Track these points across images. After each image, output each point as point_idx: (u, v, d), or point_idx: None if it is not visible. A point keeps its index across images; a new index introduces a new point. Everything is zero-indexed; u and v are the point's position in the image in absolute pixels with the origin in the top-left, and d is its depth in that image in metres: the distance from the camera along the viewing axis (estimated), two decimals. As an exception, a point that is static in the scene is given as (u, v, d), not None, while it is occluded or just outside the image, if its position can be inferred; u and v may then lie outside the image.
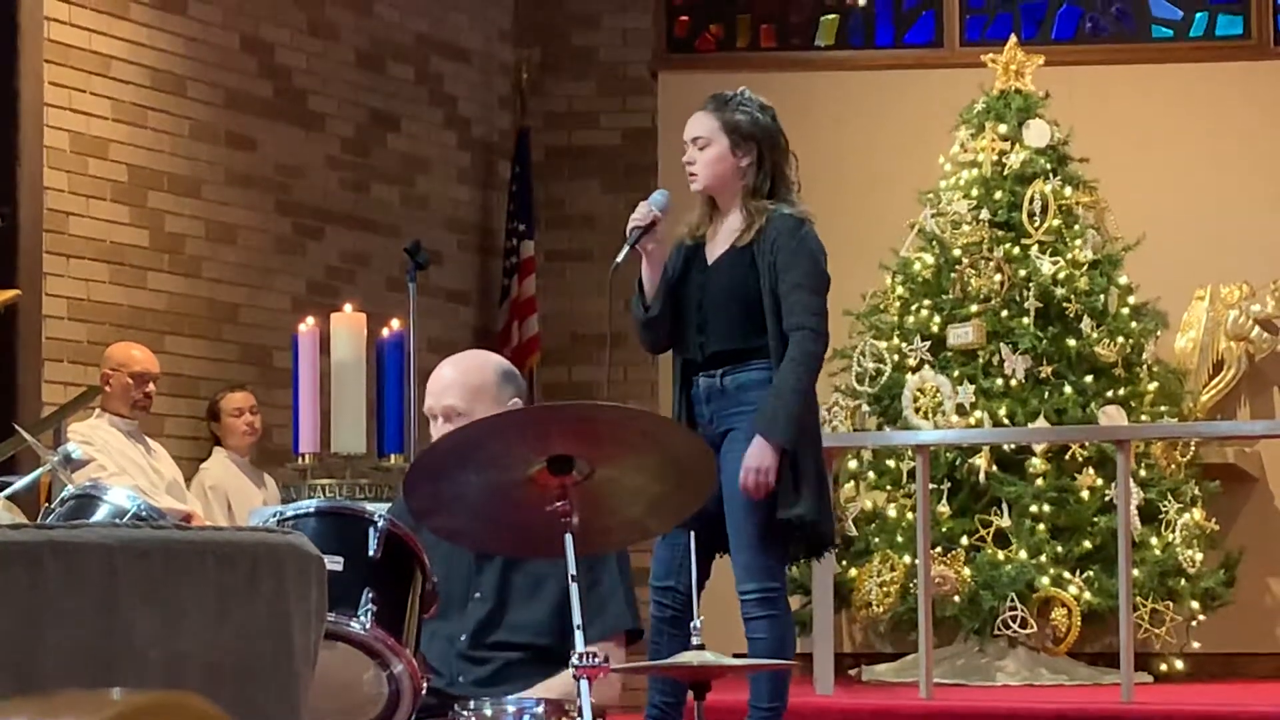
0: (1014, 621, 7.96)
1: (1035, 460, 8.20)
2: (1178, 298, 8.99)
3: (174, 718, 1.30)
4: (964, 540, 8.15)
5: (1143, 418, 8.40)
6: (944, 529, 8.13)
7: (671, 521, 4.15)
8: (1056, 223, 8.54)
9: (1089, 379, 8.38)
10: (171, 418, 8.08)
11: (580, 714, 3.46)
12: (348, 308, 7.00)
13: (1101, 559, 8.09)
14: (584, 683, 3.45)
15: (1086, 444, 8.23)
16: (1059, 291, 8.43)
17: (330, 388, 6.75)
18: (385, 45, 9.24)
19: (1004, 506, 8.20)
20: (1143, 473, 8.27)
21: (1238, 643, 8.73)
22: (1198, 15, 9.69)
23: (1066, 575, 8.09)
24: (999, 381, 8.32)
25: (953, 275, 8.51)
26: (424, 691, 3.56)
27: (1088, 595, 8.03)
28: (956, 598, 8.00)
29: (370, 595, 3.48)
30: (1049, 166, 8.64)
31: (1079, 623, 7.98)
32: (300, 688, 2.67)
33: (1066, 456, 8.28)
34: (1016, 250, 8.51)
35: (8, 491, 4.49)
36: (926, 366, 8.39)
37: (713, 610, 5.13)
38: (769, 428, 5.25)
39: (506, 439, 3.59)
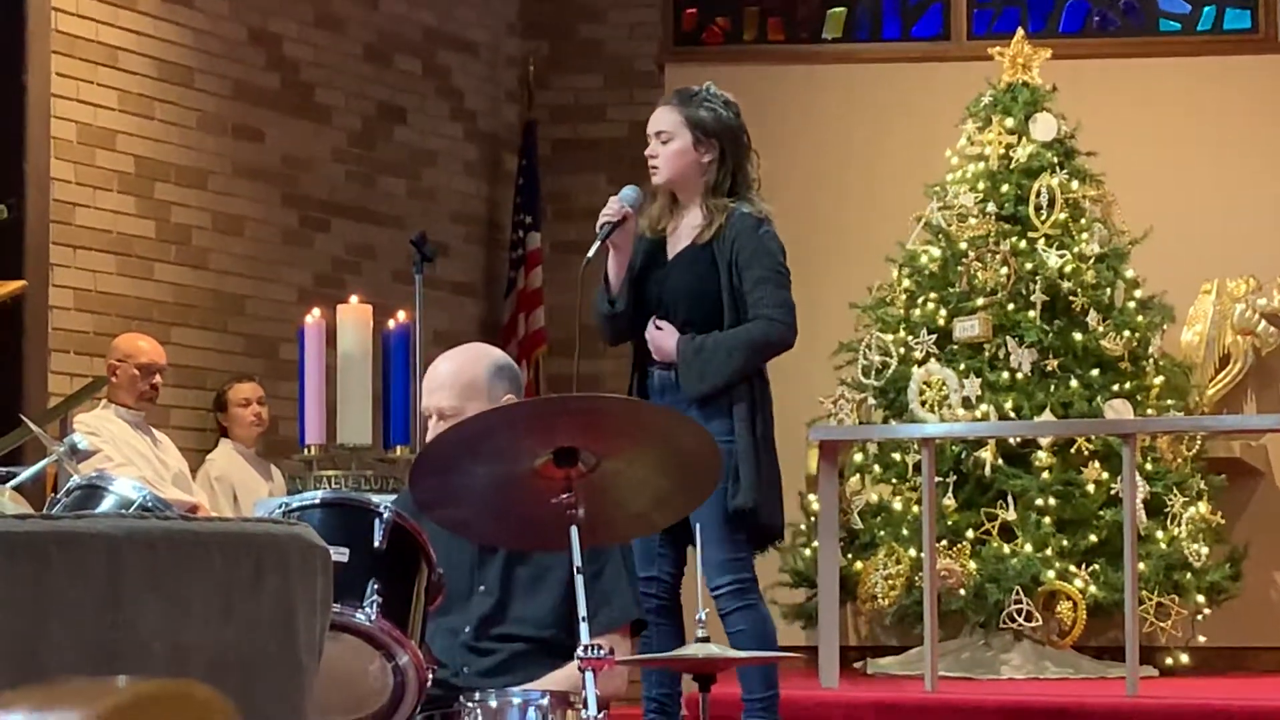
0: (1019, 615, 7.96)
1: (1041, 454, 8.20)
2: (1184, 291, 8.98)
3: (179, 706, 1.30)
4: (969, 533, 8.15)
5: (1149, 411, 8.40)
6: (949, 522, 8.13)
7: (677, 514, 4.15)
8: (1063, 216, 8.54)
9: (1095, 372, 8.37)
10: (178, 409, 8.09)
11: (585, 705, 3.46)
12: (354, 299, 6.99)
13: (1107, 552, 8.09)
14: (590, 674, 3.45)
15: (1092, 437, 8.22)
16: (1065, 285, 8.43)
17: (336, 379, 6.75)
18: (392, 38, 9.24)
19: (1009, 500, 8.20)
20: (1149, 466, 8.27)
21: (1243, 637, 8.73)
22: (1205, 9, 9.67)
23: (1072, 569, 8.08)
24: (1005, 375, 8.32)
25: (959, 268, 8.50)
26: (429, 683, 3.56)
27: (1093, 589, 8.03)
28: (962, 591, 8.00)
29: (375, 587, 3.48)
30: (1056, 160, 8.64)
31: (1084, 616, 7.98)
32: (305, 679, 2.67)
33: (1072, 450, 8.28)
34: (1023, 244, 8.50)
35: (13, 482, 4.49)
36: (932, 359, 8.38)
37: (687, 602, 5.17)
38: (687, 347, 5.31)
39: (512, 431, 3.59)
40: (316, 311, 6.91)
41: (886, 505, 8.38)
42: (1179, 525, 8.23)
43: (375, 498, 3.77)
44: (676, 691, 5.51)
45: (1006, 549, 8.09)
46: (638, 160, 10.33)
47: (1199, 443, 8.57)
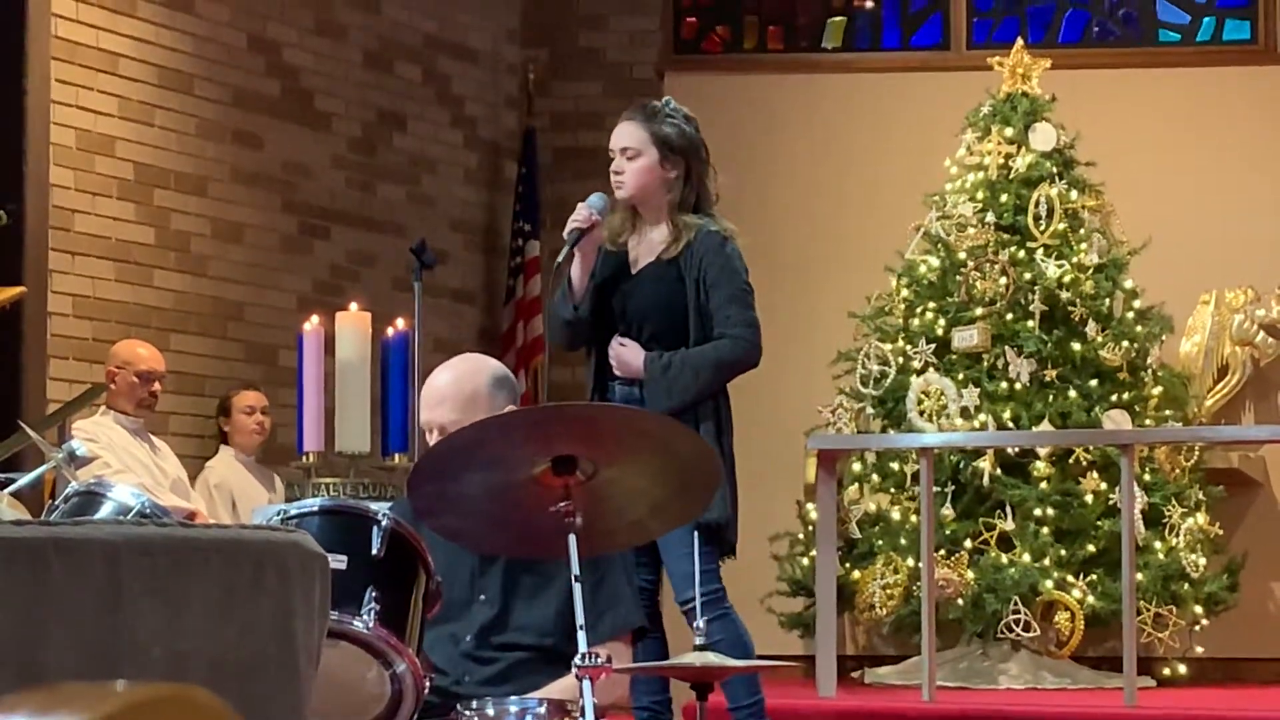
0: (1017, 625, 7.96)
1: (1039, 464, 8.20)
2: (1183, 302, 8.98)
3: (178, 711, 1.30)
4: (967, 543, 8.15)
5: (1147, 422, 8.40)
6: (947, 532, 8.13)
7: (674, 523, 4.15)
8: (1062, 226, 8.54)
9: (1094, 383, 8.38)
10: (176, 416, 8.09)
11: (583, 714, 3.46)
12: (353, 307, 6.98)
13: (1105, 563, 8.09)
14: (587, 683, 3.45)
15: (1091, 448, 8.22)
16: (1064, 295, 8.43)
17: (335, 387, 6.75)
18: (392, 45, 9.25)
19: (1008, 510, 8.19)
20: (1147, 477, 8.27)
21: (1241, 647, 8.73)
22: (1205, 20, 9.69)
23: (1070, 579, 8.08)
24: (1003, 385, 8.32)
25: (958, 278, 8.50)
26: (426, 691, 3.56)
27: (1091, 599, 8.03)
28: (960, 601, 8.00)
29: (373, 594, 3.48)
30: (1055, 170, 8.64)
31: (1082, 626, 7.98)
32: (303, 686, 2.67)
33: (1070, 460, 8.28)
34: (1022, 254, 8.51)
35: (12, 488, 4.49)
36: (931, 369, 8.38)
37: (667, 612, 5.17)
38: (654, 365, 5.35)
39: (510, 439, 3.59)
40: (315, 319, 6.90)
41: (885, 515, 8.38)
42: (1177, 536, 8.23)
43: (374, 505, 3.77)
44: (666, 699, 5.51)
45: (1004, 559, 8.09)
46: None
47: (1197, 453, 8.57)
